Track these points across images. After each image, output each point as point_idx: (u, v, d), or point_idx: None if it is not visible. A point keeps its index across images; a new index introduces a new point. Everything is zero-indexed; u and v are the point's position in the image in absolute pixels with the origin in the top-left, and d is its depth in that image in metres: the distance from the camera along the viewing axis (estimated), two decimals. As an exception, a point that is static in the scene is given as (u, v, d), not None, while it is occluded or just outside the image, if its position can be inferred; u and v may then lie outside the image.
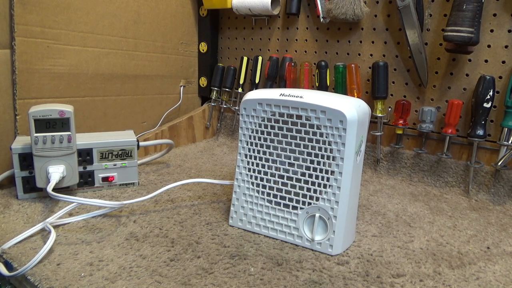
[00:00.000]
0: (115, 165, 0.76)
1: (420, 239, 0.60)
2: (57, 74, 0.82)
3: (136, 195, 0.73)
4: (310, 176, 0.56)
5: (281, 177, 0.58)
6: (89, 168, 0.74)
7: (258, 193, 0.60)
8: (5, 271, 0.49)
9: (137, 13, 0.97)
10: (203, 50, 1.16)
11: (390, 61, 0.86)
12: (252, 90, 0.68)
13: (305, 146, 0.55)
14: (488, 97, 0.72)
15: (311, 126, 0.54)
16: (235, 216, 0.62)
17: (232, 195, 0.62)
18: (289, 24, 1.01)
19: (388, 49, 0.87)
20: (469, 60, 0.77)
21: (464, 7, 0.70)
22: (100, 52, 0.90)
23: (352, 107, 0.53)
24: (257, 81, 1.05)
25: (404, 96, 0.86)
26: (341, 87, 0.90)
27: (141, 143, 0.82)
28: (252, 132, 0.59)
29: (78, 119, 0.88)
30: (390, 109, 0.88)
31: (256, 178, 0.60)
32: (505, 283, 0.50)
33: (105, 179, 0.75)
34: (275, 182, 0.59)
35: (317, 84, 0.93)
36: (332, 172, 0.54)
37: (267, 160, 0.59)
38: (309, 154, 0.55)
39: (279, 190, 0.58)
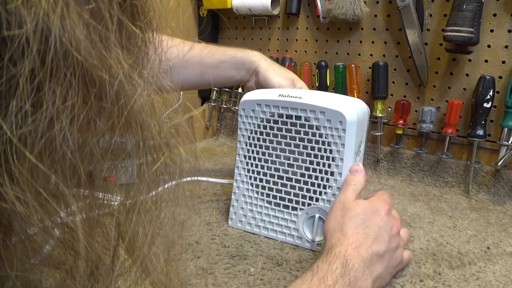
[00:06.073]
0: (115, 165, 0.76)
1: (420, 239, 0.60)
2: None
3: (136, 196, 0.73)
4: (310, 176, 0.56)
5: (281, 178, 0.58)
6: (89, 168, 0.74)
7: (258, 194, 0.60)
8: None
9: (137, 14, 0.97)
10: (203, 50, 1.16)
11: (390, 61, 0.86)
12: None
13: (304, 147, 0.55)
14: (488, 97, 0.72)
15: (310, 126, 0.54)
16: (235, 217, 0.62)
17: (232, 196, 0.62)
18: (289, 24, 1.01)
19: (388, 49, 0.87)
20: (469, 60, 0.77)
21: (464, 7, 0.70)
22: (100, 53, 0.90)
23: (351, 108, 0.53)
24: (257, 81, 1.05)
25: (404, 96, 0.86)
26: (341, 87, 0.90)
27: (141, 144, 0.82)
28: (251, 133, 0.59)
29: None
30: (390, 109, 0.88)
31: (255, 179, 0.60)
32: (505, 283, 0.50)
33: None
34: (274, 183, 0.59)
35: (317, 84, 0.93)
36: (332, 173, 0.54)
37: (266, 161, 0.59)
38: (308, 154, 0.55)
39: (278, 191, 0.58)
